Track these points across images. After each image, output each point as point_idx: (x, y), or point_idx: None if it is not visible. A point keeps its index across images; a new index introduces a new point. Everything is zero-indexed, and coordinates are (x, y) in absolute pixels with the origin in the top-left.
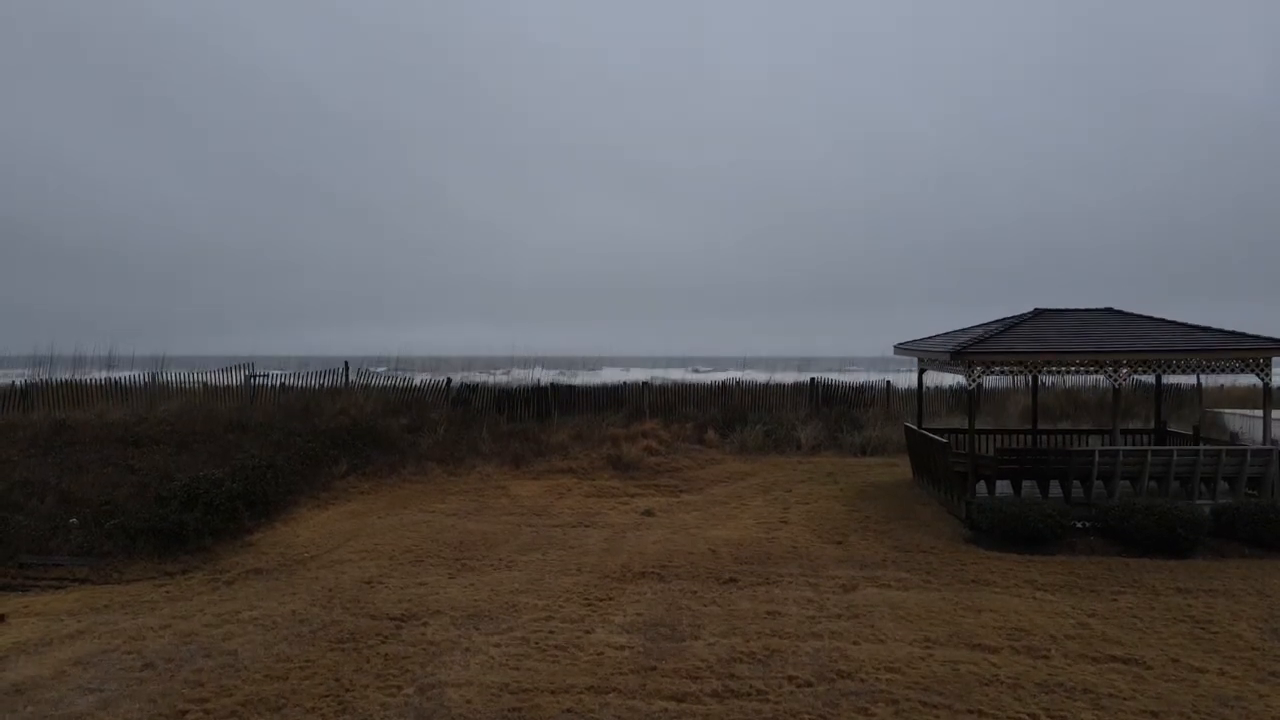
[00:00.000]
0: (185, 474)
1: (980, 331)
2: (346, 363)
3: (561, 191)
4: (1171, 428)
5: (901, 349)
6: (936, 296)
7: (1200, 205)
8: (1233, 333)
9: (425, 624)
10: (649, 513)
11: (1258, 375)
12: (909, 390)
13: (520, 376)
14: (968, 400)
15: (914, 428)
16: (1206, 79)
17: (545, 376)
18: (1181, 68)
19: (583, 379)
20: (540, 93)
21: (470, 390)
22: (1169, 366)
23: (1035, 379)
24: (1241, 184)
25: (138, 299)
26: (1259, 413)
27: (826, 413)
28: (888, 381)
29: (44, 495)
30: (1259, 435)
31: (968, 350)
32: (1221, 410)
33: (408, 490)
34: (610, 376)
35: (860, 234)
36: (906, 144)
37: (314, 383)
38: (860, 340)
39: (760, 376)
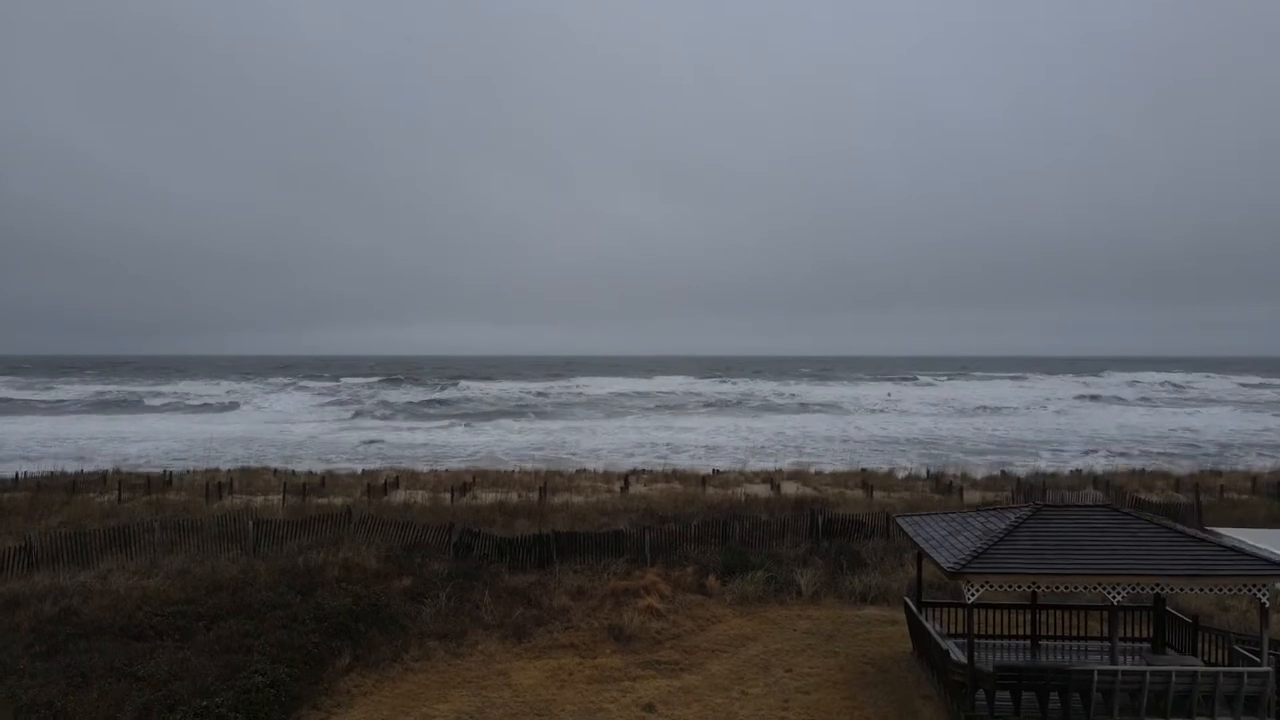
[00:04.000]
0: (188, 689)
1: (979, 528)
2: (349, 508)
3: (588, 187)
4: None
5: (901, 527)
6: (970, 296)
7: (1232, 206)
8: (1234, 550)
9: None
10: (650, 708)
11: (1258, 596)
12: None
13: (521, 387)
14: (966, 616)
15: (914, 610)
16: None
17: (551, 385)
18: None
19: (590, 391)
20: (578, 90)
21: (472, 537)
22: (1167, 588)
23: (1035, 594)
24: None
25: (150, 296)
26: (1264, 535)
27: (827, 546)
28: (888, 515)
29: None
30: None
31: (965, 570)
32: (1221, 530)
33: (410, 684)
34: (613, 387)
35: (892, 233)
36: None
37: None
38: (868, 340)
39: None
